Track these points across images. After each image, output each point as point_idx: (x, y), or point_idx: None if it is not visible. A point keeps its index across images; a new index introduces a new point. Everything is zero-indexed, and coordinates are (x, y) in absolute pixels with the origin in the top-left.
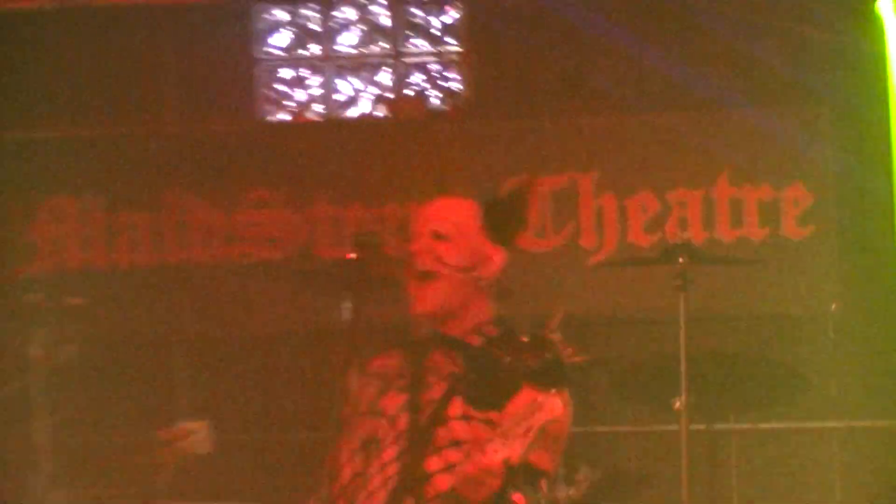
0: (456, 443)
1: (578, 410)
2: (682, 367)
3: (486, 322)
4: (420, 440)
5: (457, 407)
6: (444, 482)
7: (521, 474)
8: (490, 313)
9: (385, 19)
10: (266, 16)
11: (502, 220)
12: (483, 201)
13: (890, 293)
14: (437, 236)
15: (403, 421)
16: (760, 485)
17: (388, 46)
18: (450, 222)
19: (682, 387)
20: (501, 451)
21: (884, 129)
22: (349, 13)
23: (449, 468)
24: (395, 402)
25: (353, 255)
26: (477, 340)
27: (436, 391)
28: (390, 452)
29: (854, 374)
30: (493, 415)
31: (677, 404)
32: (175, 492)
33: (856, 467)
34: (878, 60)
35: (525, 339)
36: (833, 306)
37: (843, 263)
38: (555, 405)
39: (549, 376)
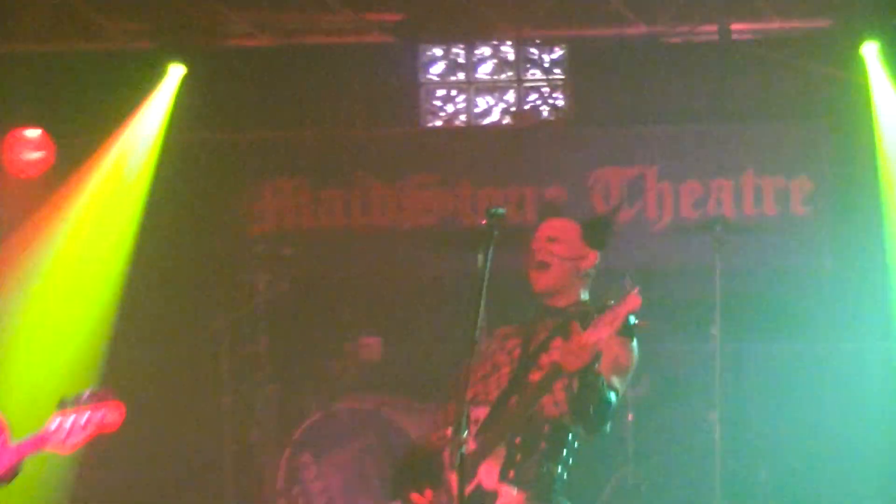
0: (554, 362)
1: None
2: (718, 304)
3: (583, 301)
4: (528, 362)
5: (557, 341)
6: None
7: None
8: (585, 294)
9: (511, 55)
10: (427, 52)
11: (596, 232)
12: (583, 220)
13: (868, 255)
14: (550, 239)
15: (517, 352)
16: (771, 384)
17: (512, 74)
18: (559, 230)
19: (717, 318)
20: (595, 334)
21: (867, 138)
22: (485, 51)
23: (545, 377)
24: (512, 343)
25: (484, 222)
26: (575, 310)
27: (542, 336)
28: (504, 371)
29: (840, 311)
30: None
31: (714, 330)
32: (357, 387)
33: (836, 376)
34: (863, 87)
35: (611, 304)
36: (827, 263)
37: (835, 233)
38: (635, 300)
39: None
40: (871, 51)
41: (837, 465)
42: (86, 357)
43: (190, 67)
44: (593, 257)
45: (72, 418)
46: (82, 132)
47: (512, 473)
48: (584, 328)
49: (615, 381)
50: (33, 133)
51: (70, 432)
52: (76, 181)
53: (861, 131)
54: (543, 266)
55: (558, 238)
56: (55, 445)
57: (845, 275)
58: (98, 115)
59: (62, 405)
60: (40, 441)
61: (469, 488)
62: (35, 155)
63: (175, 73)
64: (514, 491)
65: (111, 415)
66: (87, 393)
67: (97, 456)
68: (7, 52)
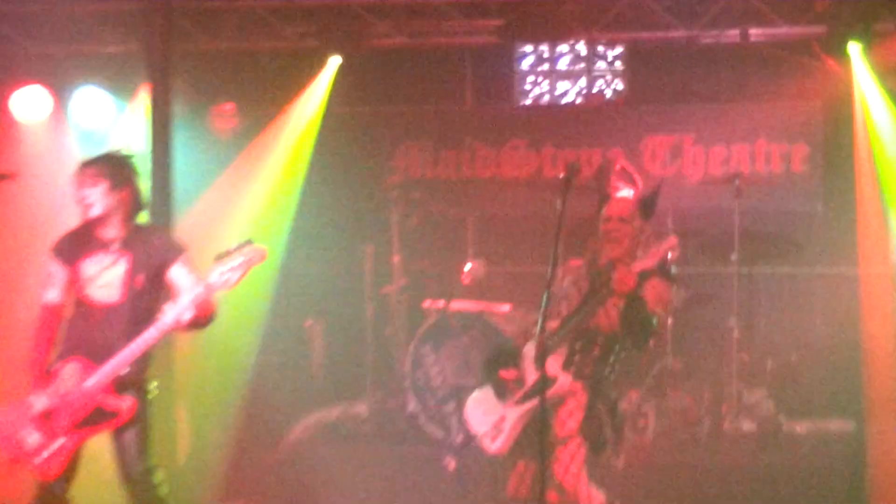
0: (609, 287)
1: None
2: (736, 236)
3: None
4: (593, 293)
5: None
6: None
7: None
8: (640, 251)
9: (583, 52)
10: (521, 49)
11: (647, 208)
12: (638, 198)
13: (850, 199)
14: (621, 219)
15: (585, 289)
16: (776, 298)
17: (583, 66)
18: (626, 211)
19: (736, 247)
20: (641, 265)
21: (849, 115)
22: (564, 48)
23: (602, 294)
24: (583, 284)
25: (563, 175)
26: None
27: (605, 277)
28: (575, 300)
29: (829, 243)
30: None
31: (733, 256)
32: (466, 296)
33: (826, 291)
34: (848, 77)
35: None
36: (819, 206)
37: (825, 185)
38: (672, 240)
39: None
40: (855, 50)
41: (825, 358)
42: (265, 271)
43: (344, 59)
44: (647, 228)
45: (228, 265)
46: (263, 106)
47: (572, 369)
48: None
49: (658, 310)
50: (228, 107)
51: (229, 276)
52: (258, 143)
53: (845, 110)
54: (616, 241)
55: (625, 218)
56: (221, 286)
57: (832, 216)
58: (275, 93)
59: (219, 257)
60: (210, 287)
61: (533, 379)
62: (229, 122)
63: (333, 63)
64: (570, 378)
65: (257, 256)
66: (235, 245)
67: (274, 346)
68: (212, 49)
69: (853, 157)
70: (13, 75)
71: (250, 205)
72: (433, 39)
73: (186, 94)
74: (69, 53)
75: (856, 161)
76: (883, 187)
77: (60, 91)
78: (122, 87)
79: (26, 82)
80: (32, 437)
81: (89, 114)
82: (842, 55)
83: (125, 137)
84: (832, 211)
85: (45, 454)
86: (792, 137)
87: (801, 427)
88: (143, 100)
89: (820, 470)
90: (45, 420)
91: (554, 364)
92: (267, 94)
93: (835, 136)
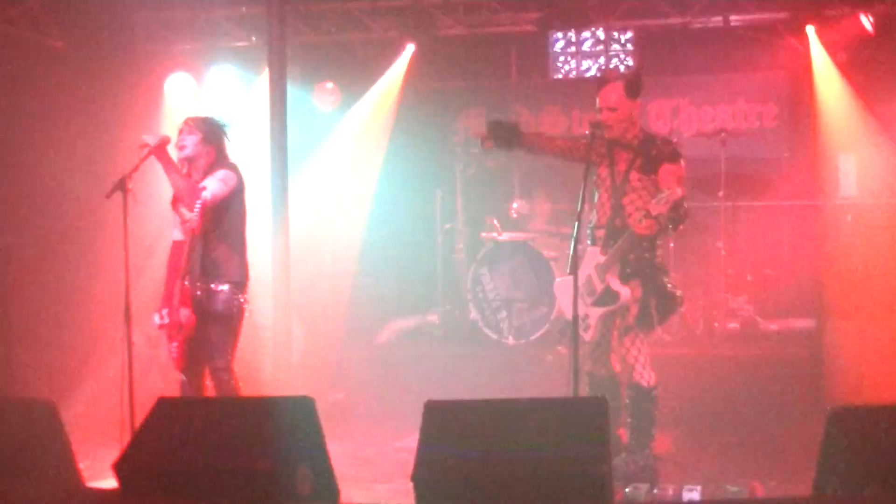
0: (634, 188)
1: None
2: (722, 177)
3: (641, 131)
4: (619, 191)
5: (634, 174)
6: (632, 210)
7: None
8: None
9: (601, 36)
10: (553, 35)
11: (632, 88)
12: (623, 80)
13: (809, 147)
14: (611, 109)
15: (608, 181)
16: (753, 224)
17: (601, 47)
18: (613, 100)
19: (722, 186)
20: (655, 209)
21: (808, 81)
22: (587, 34)
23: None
24: (604, 172)
25: (587, 132)
26: (636, 142)
27: (622, 167)
28: (605, 198)
29: (793, 182)
30: (652, 177)
31: (720, 193)
32: (512, 228)
33: (790, 219)
34: (807, 54)
35: (665, 192)
36: (785, 153)
37: (790, 136)
38: (678, 192)
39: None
40: (811, 31)
41: (792, 271)
42: (360, 211)
43: (418, 46)
44: (637, 106)
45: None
46: (356, 83)
47: (627, 272)
48: (649, 156)
49: (679, 188)
50: (328, 85)
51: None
52: (353, 113)
53: (805, 77)
54: (608, 127)
55: (614, 107)
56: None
57: (796, 160)
58: (365, 72)
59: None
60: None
61: (602, 288)
62: (329, 97)
63: (409, 50)
64: (628, 290)
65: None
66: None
67: (366, 269)
68: (314, 40)
69: (811, 114)
70: (167, 66)
71: (348, 160)
72: (486, 29)
73: (298, 77)
74: (209, 48)
75: (813, 117)
76: (834, 137)
77: (201, 77)
78: (248, 72)
79: (176, 70)
80: (164, 339)
81: (224, 93)
82: (801, 35)
83: (251, 111)
84: (795, 156)
85: (171, 350)
86: (764, 99)
87: (773, 325)
88: (264, 82)
89: (788, 358)
90: (167, 326)
91: (615, 280)
92: (359, 75)
93: (797, 98)
